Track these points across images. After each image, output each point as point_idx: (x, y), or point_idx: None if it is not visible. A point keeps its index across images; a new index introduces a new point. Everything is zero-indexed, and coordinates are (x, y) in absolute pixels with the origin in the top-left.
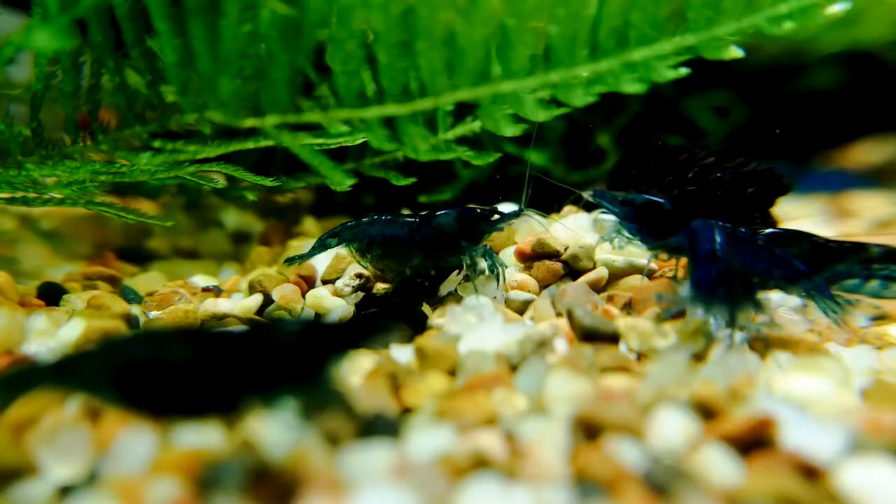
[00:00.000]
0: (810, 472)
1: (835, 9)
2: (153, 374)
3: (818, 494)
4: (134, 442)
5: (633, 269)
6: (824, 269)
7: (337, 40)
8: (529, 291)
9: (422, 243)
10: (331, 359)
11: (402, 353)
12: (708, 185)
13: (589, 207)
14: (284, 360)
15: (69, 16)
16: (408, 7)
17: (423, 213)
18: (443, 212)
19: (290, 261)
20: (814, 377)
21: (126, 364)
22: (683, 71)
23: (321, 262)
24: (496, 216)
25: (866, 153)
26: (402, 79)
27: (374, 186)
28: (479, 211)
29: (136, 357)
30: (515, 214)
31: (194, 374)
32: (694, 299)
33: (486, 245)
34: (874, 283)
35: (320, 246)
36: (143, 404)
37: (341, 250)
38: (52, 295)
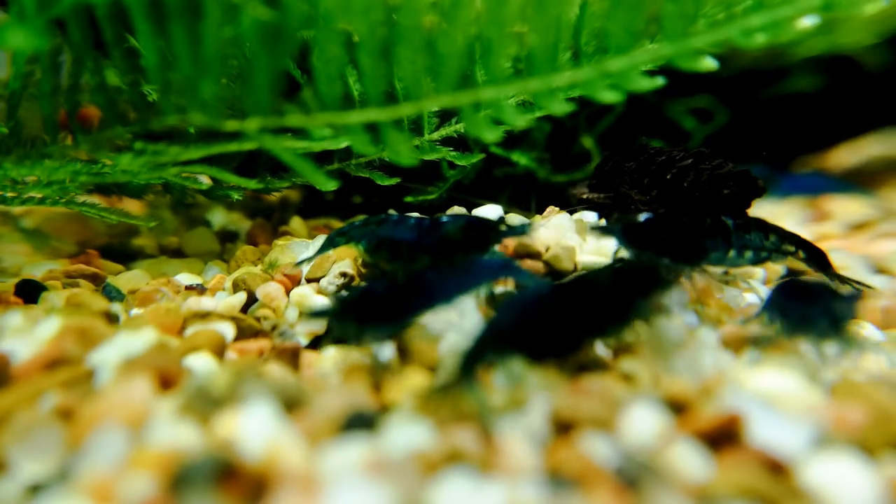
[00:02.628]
0: (776, 468)
1: (806, 22)
2: (537, 327)
3: (784, 489)
4: (107, 440)
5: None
6: (698, 247)
7: (318, 45)
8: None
9: (429, 249)
10: (639, 300)
11: (383, 350)
12: (685, 187)
13: (571, 208)
14: (606, 303)
15: (46, 16)
16: (389, 13)
17: (432, 218)
18: (450, 219)
19: (301, 263)
20: (783, 374)
21: (520, 322)
22: (659, 81)
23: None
24: (504, 227)
25: (845, 156)
26: (384, 84)
27: (362, 186)
28: (486, 222)
29: (528, 315)
30: (523, 229)
31: (555, 323)
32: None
33: (498, 253)
34: (732, 254)
35: (329, 244)
36: (533, 354)
37: (329, 250)
38: (30, 292)
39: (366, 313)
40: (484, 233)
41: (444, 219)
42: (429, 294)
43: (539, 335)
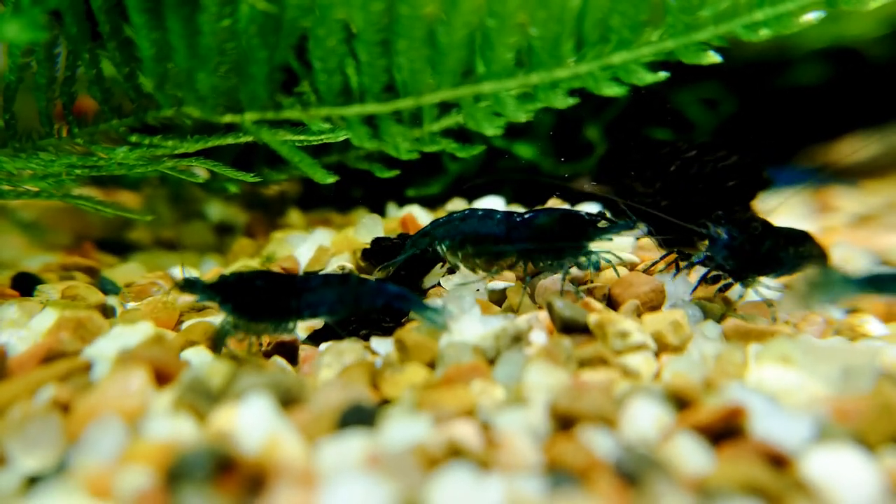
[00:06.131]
0: (778, 461)
1: (809, 17)
2: None
3: (784, 482)
4: (104, 433)
5: (617, 262)
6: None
7: (317, 37)
8: (508, 281)
9: (518, 243)
10: None
11: (382, 345)
12: (689, 179)
13: (573, 200)
14: None
15: (42, 7)
16: (388, 5)
17: (521, 212)
18: (544, 212)
19: (384, 268)
20: (786, 367)
21: None
22: (662, 74)
23: (304, 255)
24: (603, 223)
25: (851, 148)
26: (383, 77)
27: (362, 179)
28: (585, 216)
29: None
30: (628, 226)
31: None
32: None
33: (591, 251)
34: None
35: (412, 247)
36: None
37: (325, 242)
38: (26, 285)
39: (240, 300)
40: (580, 227)
41: (536, 213)
42: (308, 300)
43: None
